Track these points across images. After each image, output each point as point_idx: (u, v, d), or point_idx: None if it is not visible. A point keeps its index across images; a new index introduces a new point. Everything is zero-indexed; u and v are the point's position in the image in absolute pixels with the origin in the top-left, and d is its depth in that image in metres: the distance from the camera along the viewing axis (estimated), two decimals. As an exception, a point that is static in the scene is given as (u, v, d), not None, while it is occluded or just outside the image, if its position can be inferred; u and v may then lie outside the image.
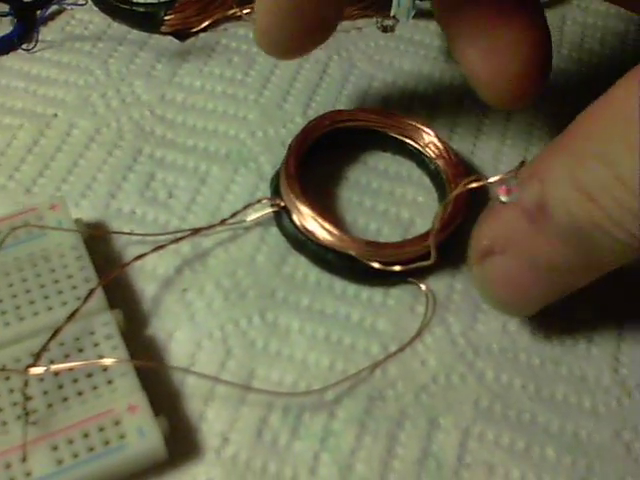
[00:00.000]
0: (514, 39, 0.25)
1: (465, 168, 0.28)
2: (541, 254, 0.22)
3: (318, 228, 0.26)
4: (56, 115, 0.30)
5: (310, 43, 0.27)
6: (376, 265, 0.26)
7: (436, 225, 0.24)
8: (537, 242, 0.22)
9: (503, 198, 0.21)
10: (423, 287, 0.26)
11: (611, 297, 0.26)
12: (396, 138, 0.29)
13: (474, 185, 0.22)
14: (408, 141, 0.29)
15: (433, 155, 0.28)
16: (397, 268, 0.26)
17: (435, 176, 0.28)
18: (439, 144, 0.28)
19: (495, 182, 0.21)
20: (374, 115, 0.29)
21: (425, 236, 0.25)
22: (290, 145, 0.27)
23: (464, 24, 0.25)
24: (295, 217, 0.26)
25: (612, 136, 0.19)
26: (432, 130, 0.28)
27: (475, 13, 0.25)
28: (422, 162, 0.29)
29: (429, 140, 0.28)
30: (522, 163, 0.21)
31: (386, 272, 0.26)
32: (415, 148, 0.28)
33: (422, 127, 0.28)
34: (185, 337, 0.25)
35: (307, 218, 0.26)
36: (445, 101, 0.31)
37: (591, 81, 0.32)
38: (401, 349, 0.25)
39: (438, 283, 0.26)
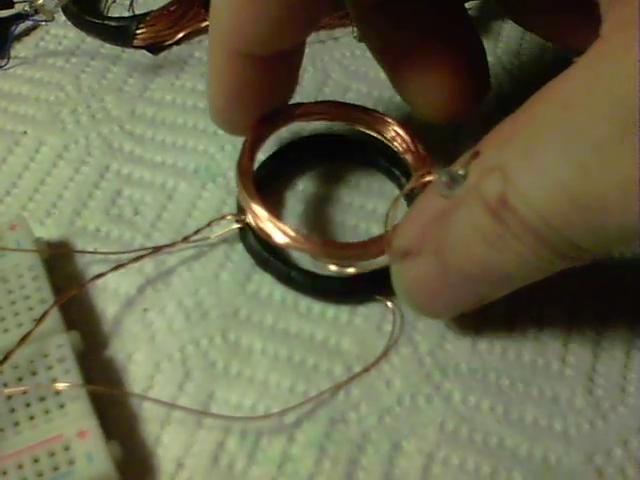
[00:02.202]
0: (447, 70, 0.25)
1: (432, 161, 0.26)
2: (460, 257, 0.21)
3: (272, 228, 0.24)
4: (25, 132, 0.30)
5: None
6: (332, 267, 0.24)
7: (389, 220, 0.22)
8: (455, 241, 0.21)
9: (444, 192, 0.19)
10: (390, 304, 0.25)
11: (586, 316, 0.25)
12: (362, 141, 0.27)
13: (428, 179, 0.20)
14: (374, 134, 0.27)
15: (400, 148, 0.27)
16: (351, 270, 0.24)
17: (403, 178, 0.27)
18: (406, 136, 0.26)
19: (446, 174, 0.19)
20: (335, 107, 0.27)
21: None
22: (244, 142, 0.26)
23: (399, 61, 0.26)
24: (249, 217, 0.25)
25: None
26: (397, 122, 0.27)
27: (408, 50, 0.25)
28: (393, 174, 0.28)
29: (395, 132, 0.27)
30: (476, 154, 0.19)
31: (349, 288, 0.25)
32: (383, 144, 0.27)
33: (388, 119, 0.27)
34: (144, 358, 0.24)
35: (261, 218, 0.24)
36: (415, 119, 0.31)
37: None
38: (366, 370, 0.24)
39: (406, 301, 0.25)
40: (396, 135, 0.27)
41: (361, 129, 0.27)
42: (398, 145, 0.27)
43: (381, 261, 0.24)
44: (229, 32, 0.23)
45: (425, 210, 0.22)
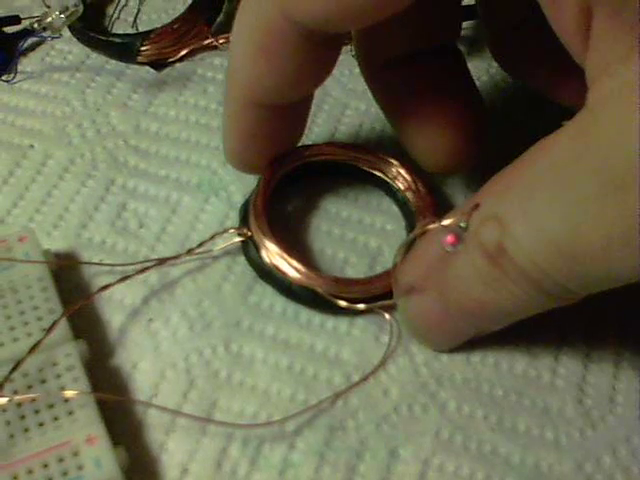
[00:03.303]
0: (451, 126, 0.26)
1: (433, 199, 0.28)
2: (463, 294, 0.23)
3: (285, 265, 0.26)
4: (32, 146, 0.31)
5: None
6: (342, 303, 0.26)
7: (398, 262, 0.24)
8: (458, 282, 0.23)
9: (448, 249, 0.21)
10: (388, 316, 0.26)
11: (576, 329, 0.26)
12: (365, 171, 0.29)
13: (430, 227, 0.22)
14: (377, 173, 0.29)
15: (402, 187, 0.28)
16: (361, 307, 0.26)
17: (403, 205, 0.28)
18: (407, 176, 0.28)
19: (447, 224, 0.21)
20: (340, 149, 0.29)
21: (391, 272, 0.25)
22: (258, 183, 0.27)
23: (406, 115, 0.27)
24: (263, 254, 0.26)
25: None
26: (399, 162, 0.28)
27: (416, 106, 0.26)
28: (390, 191, 0.29)
29: (397, 172, 0.28)
30: (476, 206, 0.21)
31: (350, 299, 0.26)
32: (384, 181, 0.29)
33: (390, 160, 0.29)
34: (149, 367, 0.25)
35: (274, 255, 0.26)
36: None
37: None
38: (364, 379, 0.25)
39: (403, 313, 0.26)
40: (398, 174, 0.28)
41: (364, 168, 0.29)
42: (400, 184, 0.28)
43: (387, 301, 0.26)
44: (245, 85, 0.24)
45: (428, 251, 0.24)
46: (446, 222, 0.21)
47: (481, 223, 0.21)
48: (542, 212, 0.20)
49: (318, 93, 0.32)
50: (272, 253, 0.26)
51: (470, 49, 0.34)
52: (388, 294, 0.26)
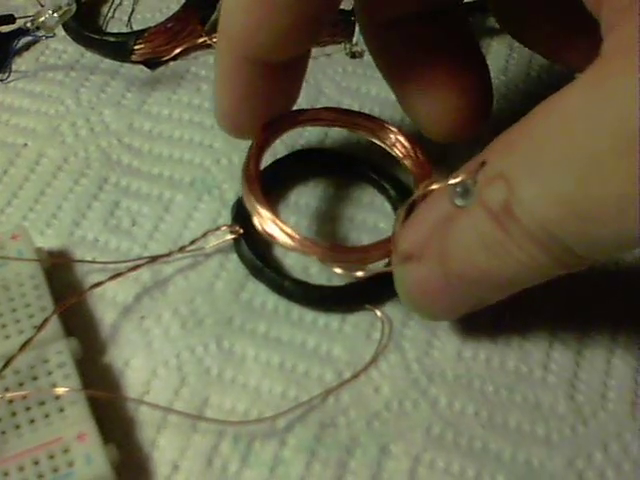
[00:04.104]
0: (455, 90, 0.26)
1: (432, 168, 0.27)
2: (462, 262, 0.21)
3: (279, 232, 0.24)
4: (26, 145, 0.31)
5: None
6: (338, 270, 0.24)
7: (397, 228, 0.23)
8: (457, 248, 0.21)
9: (458, 202, 0.20)
10: (379, 313, 0.26)
11: (567, 325, 0.26)
12: (360, 164, 0.28)
13: (434, 187, 0.21)
14: (375, 140, 0.27)
15: (400, 154, 0.27)
16: (359, 274, 0.24)
17: (396, 201, 0.28)
18: (406, 143, 0.27)
19: (455, 183, 0.20)
20: (337, 114, 0.28)
21: (389, 240, 0.24)
22: (250, 147, 0.26)
23: (408, 79, 0.26)
24: (255, 221, 0.25)
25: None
26: (398, 129, 0.27)
27: (418, 69, 0.26)
28: (383, 188, 0.29)
29: (396, 139, 0.27)
30: (483, 163, 0.20)
31: (341, 296, 0.26)
32: (382, 148, 0.28)
33: (389, 126, 0.27)
34: (141, 365, 0.25)
35: (267, 222, 0.25)
36: (412, 127, 0.32)
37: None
38: (355, 376, 0.25)
39: (394, 309, 0.26)
40: (396, 141, 0.27)
41: (362, 135, 0.28)
42: (398, 151, 0.27)
43: (387, 267, 0.25)
44: (239, 38, 0.23)
45: (428, 216, 0.23)
46: (453, 181, 0.20)
47: (486, 183, 0.20)
48: (551, 170, 0.19)
49: (312, 91, 0.33)
50: (264, 219, 0.24)
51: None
52: (386, 264, 0.25)
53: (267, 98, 0.26)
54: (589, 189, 0.18)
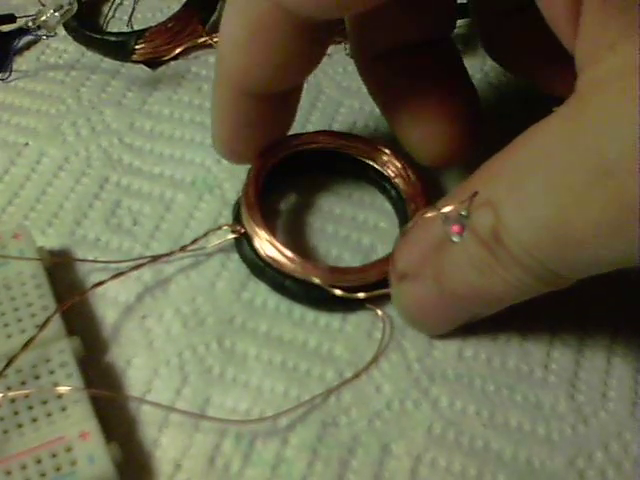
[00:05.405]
0: (446, 117, 0.26)
1: (424, 186, 0.28)
2: (458, 280, 0.23)
3: (279, 255, 0.26)
4: (27, 144, 0.31)
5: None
6: (338, 292, 0.26)
7: (396, 250, 0.24)
8: (456, 268, 0.23)
9: (455, 239, 0.21)
10: (380, 313, 0.26)
11: (568, 325, 0.26)
12: (355, 159, 0.29)
13: (428, 215, 0.22)
14: (367, 161, 0.28)
15: (392, 174, 0.28)
16: (360, 295, 0.26)
17: (396, 202, 0.28)
18: (397, 163, 0.28)
19: (448, 212, 0.21)
20: (331, 137, 0.29)
21: (387, 260, 0.25)
22: (249, 173, 0.27)
23: (400, 107, 0.27)
24: (257, 244, 0.26)
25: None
26: (390, 149, 0.28)
27: (409, 98, 0.26)
28: (384, 188, 0.29)
29: (387, 159, 0.28)
30: (475, 194, 0.21)
31: (341, 297, 0.26)
32: (374, 168, 0.28)
33: (380, 147, 0.28)
34: (143, 364, 0.25)
35: (268, 245, 0.26)
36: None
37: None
38: (356, 375, 0.25)
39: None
40: (388, 162, 0.28)
41: (355, 156, 0.29)
42: (390, 171, 0.28)
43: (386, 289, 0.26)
44: (235, 74, 0.24)
45: (424, 239, 0.24)
46: (446, 210, 0.21)
47: (474, 209, 0.21)
48: (532, 198, 0.20)
49: (312, 91, 0.33)
50: (265, 243, 0.26)
51: (464, 48, 0.34)
52: (383, 282, 0.26)
53: (263, 127, 0.27)
54: (565, 217, 0.19)
